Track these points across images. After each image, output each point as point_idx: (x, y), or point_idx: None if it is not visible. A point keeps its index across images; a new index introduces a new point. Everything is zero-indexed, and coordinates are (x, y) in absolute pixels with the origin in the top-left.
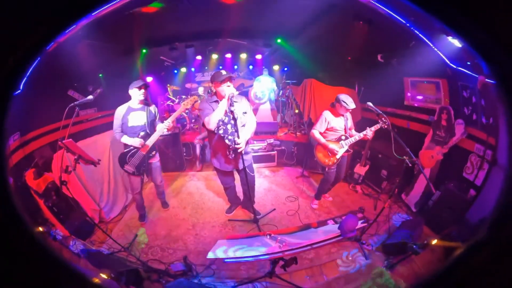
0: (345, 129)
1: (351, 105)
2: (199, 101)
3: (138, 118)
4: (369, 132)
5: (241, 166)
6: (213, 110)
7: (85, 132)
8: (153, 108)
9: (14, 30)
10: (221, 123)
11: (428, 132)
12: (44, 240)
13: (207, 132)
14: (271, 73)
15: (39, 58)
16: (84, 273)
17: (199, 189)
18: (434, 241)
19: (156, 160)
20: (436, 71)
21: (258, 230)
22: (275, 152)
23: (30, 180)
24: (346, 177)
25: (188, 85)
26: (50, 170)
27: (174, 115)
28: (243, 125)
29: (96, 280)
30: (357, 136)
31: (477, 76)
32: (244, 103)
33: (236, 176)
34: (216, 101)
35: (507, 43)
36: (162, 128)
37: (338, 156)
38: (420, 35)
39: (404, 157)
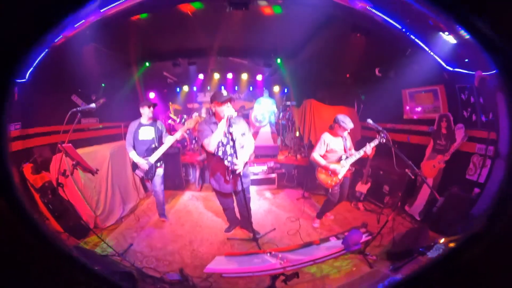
0: (344, 149)
1: (350, 124)
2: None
3: (147, 133)
4: (368, 148)
5: (239, 188)
6: (212, 132)
7: (85, 140)
8: (159, 124)
9: (17, 14)
10: (220, 144)
11: (428, 143)
12: (44, 228)
13: (206, 154)
14: (271, 95)
15: (46, 50)
16: (84, 263)
17: (198, 208)
18: (441, 240)
19: (160, 169)
20: (433, 78)
21: (258, 249)
22: (275, 174)
23: (28, 174)
24: (348, 196)
25: (190, 105)
26: (48, 170)
27: (182, 130)
28: (242, 147)
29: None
30: (357, 154)
31: (474, 73)
32: (242, 124)
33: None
34: (215, 123)
35: (506, 30)
36: (170, 141)
37: (340, 176)
38: (415, 39)
39: (406, 170)
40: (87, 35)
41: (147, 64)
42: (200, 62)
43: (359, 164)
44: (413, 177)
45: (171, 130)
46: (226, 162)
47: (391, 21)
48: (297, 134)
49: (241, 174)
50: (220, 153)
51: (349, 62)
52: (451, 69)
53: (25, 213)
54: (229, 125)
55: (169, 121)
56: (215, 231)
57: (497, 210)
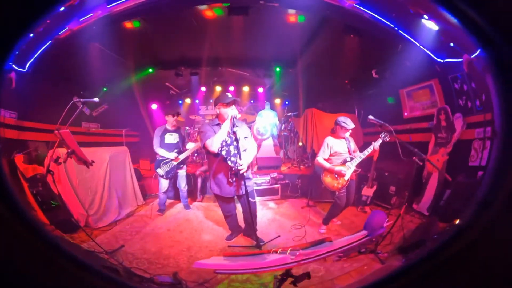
0: (349, 151)
1: (351, 124)
2: None
3: (173, 138)
4: (373, 147)
5: (242, 192)
6: (215, 133)
7: (86, 144)
8: (183, 131)
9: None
10: (224, 143)
11: (430, 138)
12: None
13: (207, 157)
14: (273, 107)
15: (50, 42)
16: (70, 253)
17: (198, 217)
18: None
19: (182, 170)
20: (426, 73)
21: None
22: (279, 185)
23: (19, 162)
24: (354, 201)
25: (192, 117)
26: (42, 165)
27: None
28: (245, 150)
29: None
30: (362, 155)
31: (462, 59)
32: (245, 128)
33: (238, 205)
34: (218, 124)
35: (490, 12)
36: (193, 147)
37: (346, 178)
38: (404, 34)
39: (413, 158)
40: (92, 32)
41: (150, 70)
42: (202, 73)
43: (363, 169)
44: (421, 163)
45: None
46: (229, 162)
47: (378, 17)
48: (300, 144)
49: (244, 176)
50: (223, 153)
51: (347, 67)
52: (441, 60)
53: (12, 200)
54: (233, 125)
55: None
56: (215, 239)
57: (489, 197)
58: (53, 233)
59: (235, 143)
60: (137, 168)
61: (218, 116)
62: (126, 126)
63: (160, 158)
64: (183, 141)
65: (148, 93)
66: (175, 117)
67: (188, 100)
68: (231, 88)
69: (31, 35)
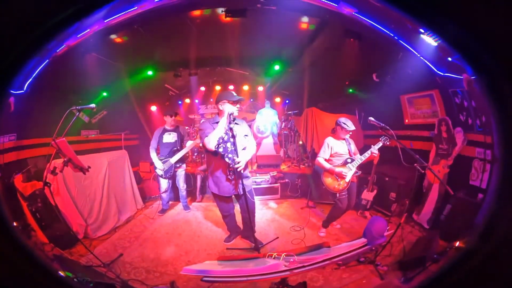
0: (349, 153)
1: (351, 126)
2: None
3: (171, 137)
4: (374, 150)
5: (241, 191)
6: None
7: (86, 151)
8: (182, 130)
9: (16, 24)
10: (221, 140)
11: (431, 148)
12: (22, 238)
13: (206, 155)
14: (273, 106)
15: (47, 61)
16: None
17: (197, 218)
18: (456, 244)
19: (181, 169)
20: (427, 82)
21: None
22: (278, 184)
23: (18, 183)
24: (354, 205)
25: (191, 116)
26: (41, 180)
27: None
28: (244, 148)
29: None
30: (362, 157)
31: (462, 77)
32: (245, 126)
33: (236, 205)
34: (218, 122)
35: (480, 35)
36: (191, 145)
37: (347, 179)
38: (404, 43)
39: (415, 164)
40: (89, 44)
41: (148, 73)
42: (201, 73)
43: (364, 171)
44: (422, 171)
45: None
46: (226, 159)
47: (378, 26)
48: (300, 142)
49: (242, 174)
50: (221, 150)
51: (347, 68)
52: (441, 74)
53: (5, 226)
54: (230, 122)
55: None
56: (213, 241)
57: (489, 227)
58: (48, 259)
59: (232, 140)
60: (136, 171)
61: (219, 113)
62: (125, 129)
63: (160, 158)
64: (182, 139)
65: (147, 95)
66: (173, 117)
67: (187, 100)
68: (231, 87)
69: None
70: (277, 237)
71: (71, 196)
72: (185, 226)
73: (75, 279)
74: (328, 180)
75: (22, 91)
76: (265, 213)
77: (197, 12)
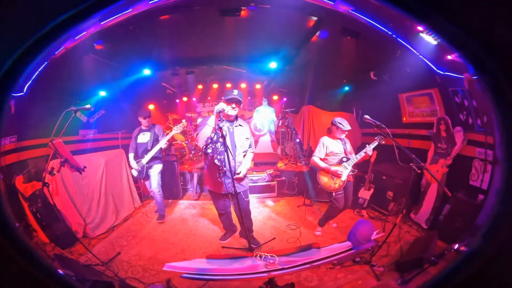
0: (344, 152)
1: (347, 126)
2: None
3: (145, 137)
4: (368, 149)
5: (233, 190)
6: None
7: (84, 151)
8: (157, 129)
9: (16, 28)
10: (209, 141)
11: (429, 147)
12: (25, 239)
13: (204, 153)
14: (270, 104)
15: (46, 63)
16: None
17: (194, 216)
18: (456, 246)
19: (155, 170)
20: (426, 81)
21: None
22: (275, 182)
23: (19, 184)
24: (352, 202)
25: (188, 114)
26: (41, 180)
27: (167, 137)
28: (245, 152)
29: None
30: (358, 156)
31: (462, 76)
32: (247, 129)
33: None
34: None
35: (479, 33)
36: (157, 148)
37: (343, 178)
38: (402, 42)
39: (411, 164)
40: (86, 46)
41: (145, 72)
42: (198, 72)
43: (360, 170)
44: (418, 171)
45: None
46: (216, 161)
47: (375, 23)
48: (297, 140)
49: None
50: (209, 151)
51: (344, 66)
52: (441, 72)
53: (9, 228)
54: (219, 121)
55: (167, 130)
56: (209, 239)
57: (492, 228)
58: (50, 259)
59: (221, 140)
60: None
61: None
62: (122, 129)
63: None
64: (155, 139)
65: (145, 94)
66: (147, 118)
67: (185, 99)
68: (228, 85)
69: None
70: (274, 238)
71: (69, 195)
72: (181, 224)
73: (73, 278)
74: (324, 179)
75: (22, 93)
76: (262, 211)
77: (192, 12)
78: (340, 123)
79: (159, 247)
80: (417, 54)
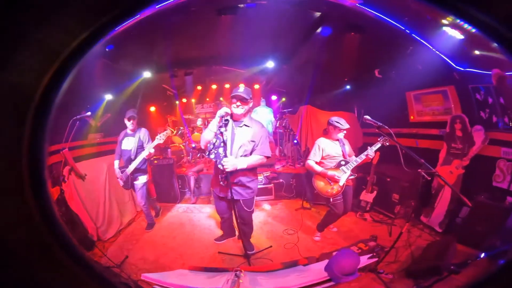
0: (343, 154)
1: (345, 125)
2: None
3: (129, 143)
4: (370, 152)
5: (233, 197)
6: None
7: (91, 155)
8: (142, 134)
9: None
10: (211, 146)
11: (440, 147)
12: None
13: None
14: (268, 104)
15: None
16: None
17: (192, 220)
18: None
19: (139, 182)
20: (440, 79)
21: (249, 265)
22: (272, 185)
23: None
24: (353, 206)
25: (186, 116)
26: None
27: (151, 146)
28: (247, 155)
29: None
30: (358, 158)
31: (490, 72)
32: (256, 130)
33: None
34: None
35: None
36: (141, 158)
37: (341, 183)
38: (416, 37)
39: (419, 170)
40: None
41: (145, 75)
42: (197, 73)
43: (362, 171)
44: (429, 178)
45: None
46: (219, 166)
47: (385, 18)
48: (295, 141)
49: (235, 181)
50: (212, 156)
51: (346, 64)
52: (461, 69)
53: (57, 224)
54: (221, 125)
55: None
56: (206, 244)
57: None
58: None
59: (223, 144)
60: None
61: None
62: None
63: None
64: (140, 146)
65: (146, 97)
66: (131, 121)
67: (184, 100)
68: (227, 86)
69: None
70: (271, 246)
71: (81, 200)
72: (179, 229)
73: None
74: (320, 184)
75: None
76: (258, 215)
77: (189, 12)
78: (337, 122)
79: (160, 252)
80: (434, 50)
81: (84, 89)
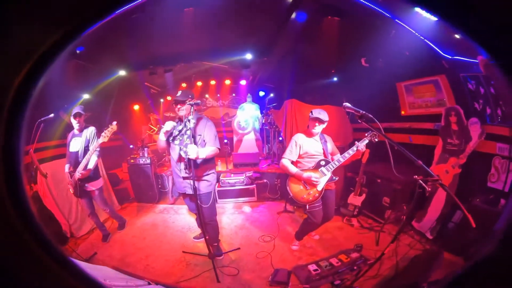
0: (324, 153)
1: (325, 117)
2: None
3: (77, 144)
4: (356, 149)
5: (190, 191)
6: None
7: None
8: (89, 132)
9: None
10: (177, 132)
11: (436, 143)
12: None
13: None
14: (255, 100)
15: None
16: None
17: (166, 222)
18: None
19: (94, 188)
20: (430, 66)
21: (214, 271)
22: (254, 185)
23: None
24: (339, 209)
25: (167, 114)
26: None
27: (96, 145)
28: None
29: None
30: (341, 158)
31: (476, 60)
32: (201, 125)
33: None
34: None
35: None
36: (82, 164)
37: (319, 187)
38: (393, 18)
39: (415, 176)
40: (70, 52)
41: (121, 73)
42: (178, 70)
43: (351, 171)
44: (428, 189)
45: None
46: (182, 153)
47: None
48: (280, 138)
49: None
50: (177, 142)
51: (329, 53)
52: (449, 57)
53: (32, 221)
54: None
55: (148, 131)
56: (174, 246)
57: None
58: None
59: (189, 132)
60: (114, 173)
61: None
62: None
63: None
64: (86, 146)
65: (130, 95)
66: (77, 118)
67: (169, 98)
68: (213, 82)
69: None
70: (238, 248)
71: (53, 198)
72: (151, 230)
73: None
74: (295, 188)
75: None
76: (236, 218)
77: (155, 8)
78: (318, 113)
79: (127, 251)
80: (417, 34)
81: (57, 89)
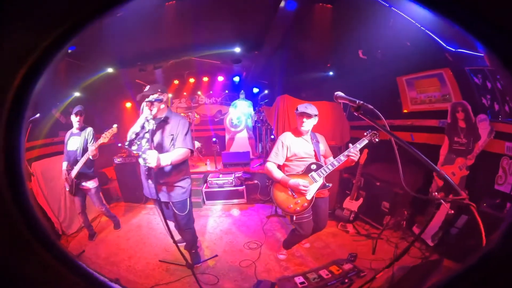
0: (315, 155)
1: (310, 109)
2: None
3: (75, 143)
4: (353, 151)
5: (156, 197)
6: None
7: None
8: (87, 132)
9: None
10: (134, 136)
11: (441, 141)
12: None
13: None
14: (248, 96)
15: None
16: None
17: (150, 223)
18: None
19: (90, 187)
20: (433, 59)
21: (194, 277)
22: (243, 187)
23: None
24: (333, 213)
25: None
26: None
27: (96, 145)
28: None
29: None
30: (335, 161)
31: (481, 54)
32: (174, 123)
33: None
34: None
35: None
36: (84, 159)
37: (308, 196)
38: (389, 5)
39: (435, 193)
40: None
41: (109, 70)
42: (168, 66)
43: (348, 172)
44: (451, 211)
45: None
46: (140, 160)
47: None
48: (272, 136)
49: (161, 179)
50: (134, 148)
51: (323, 45)
52: (453, 49)
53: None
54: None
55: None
56: (156, 250)
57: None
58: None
59: (148, 135)
60: (103, 172)
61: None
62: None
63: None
64: (85, 146)
65: (122, 93)
66: (78, 117)
67: None
68: (205, 79)
69: None
70: (216, 255)
71: (44, 196)
72: (135, 231)
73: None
74: (281, 196)
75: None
76: (222, 222)
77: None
78: (305, 107)
79: (111, 251)
80: (417, 24)
81: (49, 88)
